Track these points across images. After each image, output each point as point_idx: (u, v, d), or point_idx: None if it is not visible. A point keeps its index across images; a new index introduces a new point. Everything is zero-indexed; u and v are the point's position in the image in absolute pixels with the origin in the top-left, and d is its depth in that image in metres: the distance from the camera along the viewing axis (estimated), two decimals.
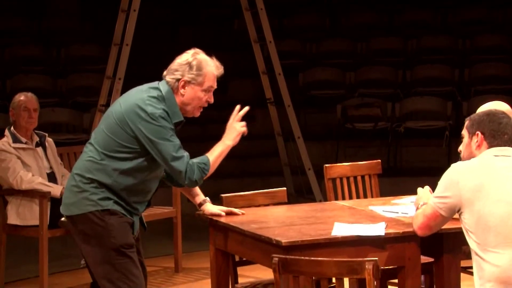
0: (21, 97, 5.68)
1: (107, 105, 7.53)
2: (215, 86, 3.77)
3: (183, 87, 3.70)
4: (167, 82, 3.71)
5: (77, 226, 3.71)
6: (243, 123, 3.81)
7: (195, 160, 3.71)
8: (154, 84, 3.74)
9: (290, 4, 11.52)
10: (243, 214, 3.98)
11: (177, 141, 3.67)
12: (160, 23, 11.16)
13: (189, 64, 3.70)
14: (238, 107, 3.84)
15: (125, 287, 3.63)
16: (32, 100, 5.68)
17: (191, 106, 3.74)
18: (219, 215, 3.95)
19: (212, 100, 3.77)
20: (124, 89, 7.41)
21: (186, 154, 3.67)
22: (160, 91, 3.69)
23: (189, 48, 3.79)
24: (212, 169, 3.73)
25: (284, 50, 9.62)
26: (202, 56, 3.74)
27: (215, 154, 3.77)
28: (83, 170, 3.69)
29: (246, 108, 3.81)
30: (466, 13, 11.21)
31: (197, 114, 3.81)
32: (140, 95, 3.69)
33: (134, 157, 3.66)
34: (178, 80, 3.69)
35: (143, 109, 3.62)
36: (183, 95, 3.70)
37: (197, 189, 4.02)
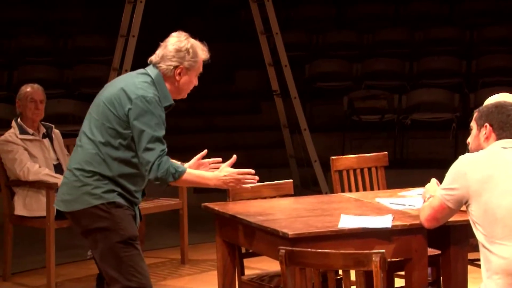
0: (27, 88, 5.68)
1: None
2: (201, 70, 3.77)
3: (180, 74, 3.67)
4: (159, 68, 3.66)
5: (80, 222, 3.66)
6: (238, 177, 3.63)
7: (174, 162, 3.62)
8: (141, 70, 3.71)
9: None
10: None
11: (158, 132, 3.56)
12: (166, 14, 11.14)
13: (187, 51, 3.66)
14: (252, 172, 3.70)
15: (134, 280, 3.60)
16: (39, 91, 5.69)
17: (184, 91, 3.72)
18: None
19: (196, 83, 3.75)
20: None
21: (160, 148, 3.55)
22: (150, 76, 3.65)
23: (196, 39, 3.76)
24: (179, 183, 3.62)
25: (290, 41, 9.59)
26: (194, 41, 3.72)
27: (194, 174, 3.67)
28: (83, 164, 3.63)
29: (252, 172, 3.69)
30: (474, 4, 11.16)
31: (185, 96, 3.78)
32: (131, 79, 3.66)
33: (129, 143, 3.60)
34: (175, 67, 3.66)
35: (134, 92, 3.57)
36: (178, 81, 3.67)
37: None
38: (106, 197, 3.61)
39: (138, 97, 3.56)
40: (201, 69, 3.74)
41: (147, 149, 3.55)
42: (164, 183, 3.61)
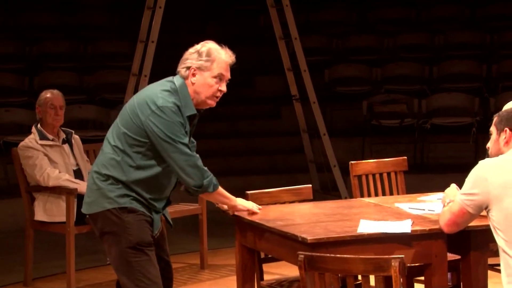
0: (47, 94, 5.72)
1: None
2: (228, 76, 3.76)
3: (194, 74, 3.72)
4: (180, 73, 3.74)
5: (97, 224, 3.74)
6: (255, 209, 3.94)
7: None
8: (169, 78, 3.77)
9: None
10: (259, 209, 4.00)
11: (183, 139, 3.65)
12: (186, 19, 11.19)
13: (198, 52, 3.73)
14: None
15: (142, 286, 3.63)
16: (58, 97, 5.72)
17: (203, 94, 3.73)
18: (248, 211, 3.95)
19: (224, 89, 3.75)
20: None
21: (195, 155, 3.69)
22: (174, 84, 3.72)
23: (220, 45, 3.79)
24: (210, 195, 3.79)
25: (310, 46, 9.58)
26: (211, 44, 3.77)
27: (224, 191, 3.86)
28: (99, 167, 3.73)
29: (260, 208, 3.98)
30: (494, 8, 11.10)
31: (213, 104, 3.79)
32: (154, 89, 3.73)
33: (146, 152, 3.66)
34: (188, 68, 3.72)
35: (154, 102, 3.64)
36: (193, 83, 3.72)
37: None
38: (118, 201, 3.67)
39: (158, 107, 3.63)
40: (222, 72, 3.72)
41: (184, 154, 3.63)
42: (204, 191, 3.72)
